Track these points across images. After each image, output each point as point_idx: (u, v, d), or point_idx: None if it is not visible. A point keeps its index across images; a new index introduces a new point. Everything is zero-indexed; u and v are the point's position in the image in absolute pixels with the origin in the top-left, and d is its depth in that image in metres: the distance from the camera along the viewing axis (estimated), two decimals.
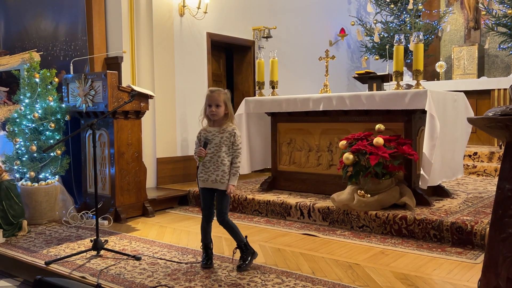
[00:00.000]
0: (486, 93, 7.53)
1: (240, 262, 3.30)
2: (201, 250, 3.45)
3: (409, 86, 5.07)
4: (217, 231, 3.51)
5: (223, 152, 3.29)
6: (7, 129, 5.06)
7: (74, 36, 5.96)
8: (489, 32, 8.19)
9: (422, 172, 4.35)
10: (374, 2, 9.21)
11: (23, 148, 4.90)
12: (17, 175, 5.00)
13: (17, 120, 4.92)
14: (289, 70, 7.93)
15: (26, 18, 6.59)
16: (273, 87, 5.85)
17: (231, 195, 3.37)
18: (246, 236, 3.40)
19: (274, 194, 5.24)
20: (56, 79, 5.17)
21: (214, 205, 3.37)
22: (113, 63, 5.79)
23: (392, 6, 9.04)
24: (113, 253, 3.72)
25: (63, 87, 5.30)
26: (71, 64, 5.43)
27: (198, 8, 6.53)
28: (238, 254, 3.37)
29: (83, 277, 3.23)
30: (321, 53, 6.08)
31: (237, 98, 7.36)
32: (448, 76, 8.65)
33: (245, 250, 3.34)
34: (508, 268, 2.04)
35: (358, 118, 4.97)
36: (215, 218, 3.37)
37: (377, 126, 4.51)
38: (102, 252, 3.73)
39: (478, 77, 8.10)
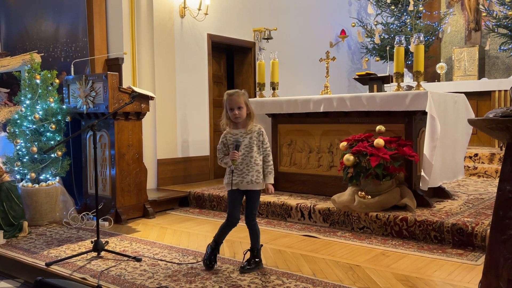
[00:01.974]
0: (487, 94, 7.53)
1: (245, 263, 3.29)
2: (208, 247, 3.36)
3: (409, 88, 5.07)
4: None
5: (254, 152, 3.26)
6: (8, 130, 5.07)
7: (75, 37, 5.97)
8: (489, 34, 8.20)
9: (422, 173, 4.35)
10: (374, 3, 9.22)
11: (24, 149, 4.90)
12: (18, 176, 5.00)
13: (18, 121, 4.93)
14: (289, 71, 7.93)
15: (27, 19, 6.60)
16: (273, 88, 5.85)
17: (273, 192, 3.34)
18: (262, 245, 3.39)
19: (275, 196, 5.24)
20: (57, 80, 5.17)
21: (240, 208, 3.34)
22: (114, 65, 5.79)
23: (393, 7, 9.04)
24: (113, 254, 3.72)
25: (63, 88, 5.31)
26: (72, 65, 5.43)
27: (199, 9, 6.54)
28: (239, 256, 3.37)
29: (83, 278, 3.23)
30: (321, 54, 6.08)
31: None
32: (449, 77, 8.65)
33: (255, 256, 3.32)
34: (509, 269, 2.04)
35: (359, 120, 4.97)
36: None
37: (378, 127, 4.51)
38: (102, 253, 3.73)
39: (479, 78, 8.10)
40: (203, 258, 3.38)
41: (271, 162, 3.34)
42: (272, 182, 3.33)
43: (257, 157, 3.27)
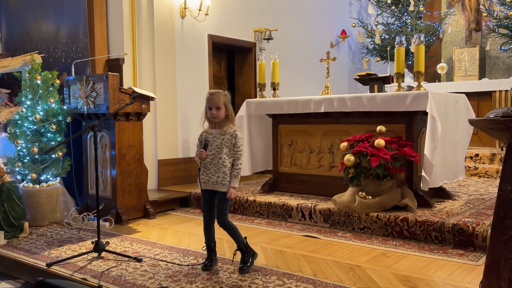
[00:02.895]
0: (488, 94, 7.53)
1: (242, 265, 3.30)
2: (204, 252, 3.45)
3: (410, 88, 5.07)
4: (218, 232, 3.50)
5: (224, 154, 3.29)
6: (8, 131, 5.07)
7: (76, 38, 5.97)
8: (490, 34, 8.19)
9: (423, 173, 4.34)
10: (375, 3, 9.22)
11: (24, 150, 4.90)
12: (19, 177, 5.00)
13: (19, 122, 4.93)
14: (290, 71, 7.93)
15: (27, 20, 6.61)
16: (274, 89, 5.85)
17: (232, 197, 3.36)
18: (245, 237, 3.40)
19: (275, 196, 5.24)
20: (58, 81, 5.17)
21: (215, 207, 3.37)
22: (115, 65, 5.79)
23: (393, 7, 9.04)
24: (114, 255, 3.72)
25: (64, 89, 5.31)
26: (73, 66, 5.44)
27: (199, 10, 6.54)
28: (238, 256, 3.37)
29: (84, 278, 3.23)
30: (322, 54, 6.08)
31: (238, 100, 7.37)
32: (449, 77, 8.65)
33: (246, 252, 3.33)
34: (510, 269, 2.04)
35: (359, 120, 4.97)
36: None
37: (378, 127, 4.51)
38: (103, 253, 3.73)
39: (479, 78, 8.10)
40: (203, 262, 3.41)
41: (240, 166, 3.35)
42: (235, 186, 3.33)
43: (226, 159, 3.29)
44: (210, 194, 3.36)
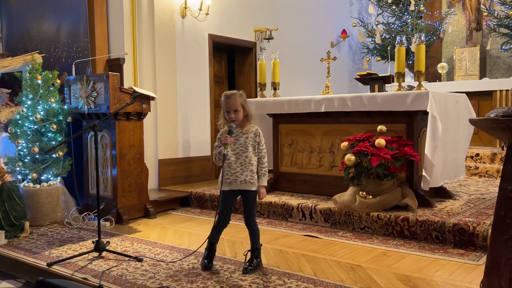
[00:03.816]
0: (488, 94, 7.53)
1: (247, 265, 3.29)
2: (205, 249, 3.40)
3: (410, 88, 5.07)
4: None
5: (250, 152, 3.25)
6: (9, 131, 5.08)
7: (76, 37, 5.98)
8: (491, 33, 8.19)
9: (424, 173, 4.34)
10: (375, 3, 9.21)
11: (25, 150, 4.90)
12: (19, 177, 5.00)
13: (19, 121, 4.93)
14: (290, 71, 7.93)
15: (28, 20, 6.61)
16: (274, 89, 5.85)
17: (264, 197, 3.31)
18: (261, 245, 3.39)
19: (276, 196, 5.24)
20: (58, 81, 5.18)
21: (233, 209, 3.33)
22: (115, 65, 5.79)
23: (394, 7, 9.04)
24: (115, 255, 3.72)
25: (65, 88, 5.31)
26: (73, 66, 5.44)
27: (200, 9, 6.54)
28: (239, 256, 3.37)
29: (85, 278, 3.23)
30: (322, 54, 6.08)
31: None
32: (450, 77, 8.65)
33: (256, 256, 3.32)
34: (511, 269, 2.04)
35: (360, 120, 4.97)
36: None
37: (379, 127, 4.51)
38: (104, 253, 3.73)
39: (480, 78, 8.10)
40: (202, 260, 3.39)
41: (266, 165, 3.33)
42: (265, 184, 3.31)
43: (252, 157, 3.26)
44: (233, 195, 3.31)
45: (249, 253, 3.34)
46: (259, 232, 3.37)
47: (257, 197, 3.33)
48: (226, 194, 3.30)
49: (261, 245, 3.39)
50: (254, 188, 3.28)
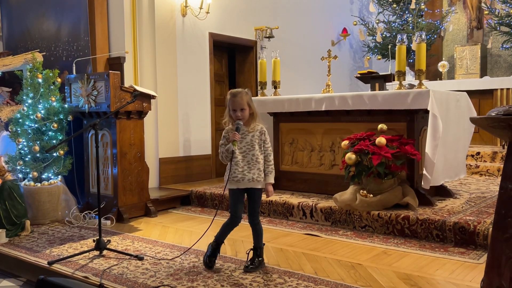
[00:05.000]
0: (489, 92, 7.52)
1: (249, 263, 3.29)
2: (209, 246, 3.37)
3: (411, 86, 5.07)
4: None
5: (256, 150, 3.25)
6: (10, 129, 5.08)
7: (77, 36, 5.98)
8: (491, 32, 8.18)
9: (424, 172, 4.34)
10: (376, 1, 9.20)
11: (26, 148, 4.91)
12: (20, 175, 5.01)
13: (20, 120, 4.93)
14: (291, 70, 7.93)
15: (29, 18, 6.61)
16: (275, 87, 5.85)
17: (272, 194, 3.32)
18: (264, 244, 3.39)
19: (277, 194, 5.24)
20: (59, 80, 5.18)
21: (243, 208, 3.33)
22: (116, 64, 5.80)
23: (395, 5, 9.03)
24: (115, 253, 3.72)
25: (65, 87, 5.31)
26: (74, 65, 5.44)
27: (201, 8, 6.54)
28: (242, 255, 3.37)
29: (85, 277, 3.23)
30: (323, 53, 6.07)
31: None
32: (451, 75, 8.64)
33: (258, 254, 3.32)
34: (511, 268, 2.04)
35: (361, 118, 4.97)
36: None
37: (380, 126, 4.51)
38: (104, 252, 3.74)
39: (481, 76, 8.09)
40: (204, 258, 3.38)
41: (272, 162, 3.34)
42: (272, 181, 3.31)
43: (259, 155, 3.27)
44: (241, 193, 3.30)
45: (251, 251, 3.34)
46: (262, 231, 3.37)
47: (266, 195, 3.32)
48: (234, 193, 3.29)
49: (264, 244, 3.39)
50: (260, 186, 3.28)
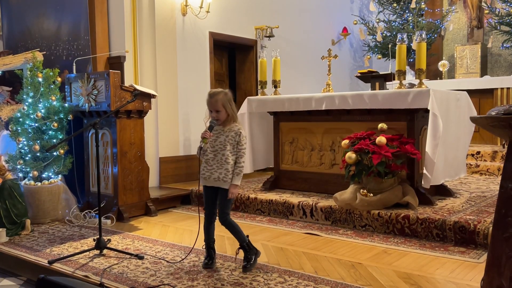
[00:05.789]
0: (489, 92, 7.51)
1: (245, 263, 3.29)
2: (204, 249, 3.45)
3: (411, 85, 5.06)
4: (220, 230, 3.51)
5: (227, 150, 3.27)
6: (10, 129, 5.08)
7: (77, 35, 5.97)
8: (492, 31, 8.17)
9: (425, 171, 4.34)
10: (376, 1, 9.20)
11: (26, 148, 4.91)
12: (20, 175, 5.01)
13: (20, 119, 4.94)
14: (291, 69, 7.93)
15: (29, 17, 6.61)
16: (275, 86, 5.85)
17: (233, 197, 3.33)
18: (247, 236, 3.40)
19: (277, 194, 5.24)
20: (59, 79, 5.18)
21: (216, 204, 3.36)
22: (116, 63, 5.79)
23: (395, 5, 9.02)
24: (116, 252, 3.73)
25: (66, 86, 5.32)
26: (74, 64, 5.44)
27: (201, 7, 6.53)
28: (241, 254, 3.37)
29: (86, 276, 3.24)
30: (323, 52, 6.07)
31: (239, 98, 7.36)
32: (451, 75, 8.64)
33: (248, 250, 3.33)
34: (511, 267, 2.04)
35: (361, 117, 4.97)
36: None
37: (380, 125, 4.51)
38: (105, 251, 3.74)
39: (481, 76, 8.08)
40: (203, 260, 3.41)
41: (242, 165, 3.32)
42: (237, 183, 3.30)
43: (229, 156, 3.28)
44: (212, 190, 3.34)
45: (240, 250, 3.34)
46: (237, 226, 3.37)
47: (229, 195, 3.30)
48: (205, 190, 3.37)
49: (248, 236, 3.39)
50: (227, 187, 3.29)
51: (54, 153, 4.94)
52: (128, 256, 3.65)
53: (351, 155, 4.36)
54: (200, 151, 3.25)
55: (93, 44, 5.80)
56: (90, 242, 4.06)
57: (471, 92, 5.63)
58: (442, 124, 4.25)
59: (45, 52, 5.89)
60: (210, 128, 3.24)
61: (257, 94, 6.98)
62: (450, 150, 4.68)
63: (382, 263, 3.37)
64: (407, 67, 8.39)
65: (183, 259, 3.53)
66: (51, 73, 5.07)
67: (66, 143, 5.06)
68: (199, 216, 3.50)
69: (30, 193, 4.83)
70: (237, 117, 3.38)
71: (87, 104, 5.03)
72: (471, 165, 6.43)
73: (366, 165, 4.32)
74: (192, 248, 3.66)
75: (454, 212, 4.12)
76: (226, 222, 3.33)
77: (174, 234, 4.36)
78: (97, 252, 3.72)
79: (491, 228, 3.10)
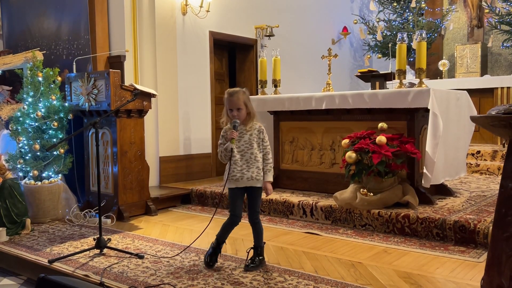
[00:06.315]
0: (489, 91, 7.51)
1: (249, 262, 3.29)
2: (210, 246, 3.37)
3: (412, 85, 5.06)
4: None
5: (255, 149, 3.25)
6: (10, 128, 5.08)
7: (77, 35, 5.97)
8: (492, 30, 8.17)
9: (425, 170, 4.34)
10: (376, 0, 9.19)
11: (26, 147, 4.91)
12: (21, 174, 5.01)
13: (20, 119, 4.94)
14: (291, 68, 7.93)
15: (29, 17, 6.61)
16: (275, 86, 5.85)
17: (271, 193, 3.31)
18: (265, 243, 3.39)
19: (277, 193, 5.24)
20: (59, 78, 5.18)
21: (242, 207, 3.33)
22: (116, 62, 5.79)
23: (395, 4, 9.02)
24: (116, 252, 3.73)
25: (66, 86, 5.32)
26: (74, 63, 5.44)
27: (201, 6, 6.53)
28: (241, 254, 3.37)
29: (86, 275, 3.24)
30: (323, 51, 6.07)
31: None
32: (451, 74, 8.63)
33: (259, 254, 3.32)
34: (511, 266, 2.04)
35: (361, 117, 4.97)
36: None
37: (380, 124, 4.51)
38: (105, 250, 3.74)
39: (481, 75, 8.08)
40: (204, 256, 3.38)
41: (271, 160, 3.33)
42: (271, 180, 3.31)
43: (258, 154, 3.27)
44: (242, 192, 3.29)
45: (252, 250, 3.34)
46: (262, 229, 3.37)
47: (265, 193, 3.32)
48: (234, 192, 3.29)
49: (265, 243, 3.39)
50: (260, 185, 3.28)
51: (54, 153, 4.94)
52: (128, 255, 3.65)
53: (351, 155, 4.36)
54: (227, 153, 3.20)
55: (93, 43, 5.80)
56: (90, 241, 4.06)
57: (471, 92, 5.63)
58: (442, 123, 4.25)
59: (45, 52, 5.90)
60: (234, 127, 3.18)
61: (257, 94, 6.98)
62: (450, 150, 4.68)
63: (382, 263, 3.37)
64: (407, 67, 8.39)
65: (177, 254, 3.53)
66: (51, 73, 5.07)
67: (66, 142, 5.06)
68: (212, 217, 3.49)
69: (30, 192, 4.83)
70: (256, 115, 3.34)
71: (87, 104, 5.03)
72: (471, 164, 6.43)
73: (366, 165, 4.32)
74: (190, 245, 3.65)
75: (454, 212, 4.12)
76: (257, 221, 3.31)
77: (174, 233, 4.36)
78: (97, 251, 3.73)
79: (491, 227, 3.10)
